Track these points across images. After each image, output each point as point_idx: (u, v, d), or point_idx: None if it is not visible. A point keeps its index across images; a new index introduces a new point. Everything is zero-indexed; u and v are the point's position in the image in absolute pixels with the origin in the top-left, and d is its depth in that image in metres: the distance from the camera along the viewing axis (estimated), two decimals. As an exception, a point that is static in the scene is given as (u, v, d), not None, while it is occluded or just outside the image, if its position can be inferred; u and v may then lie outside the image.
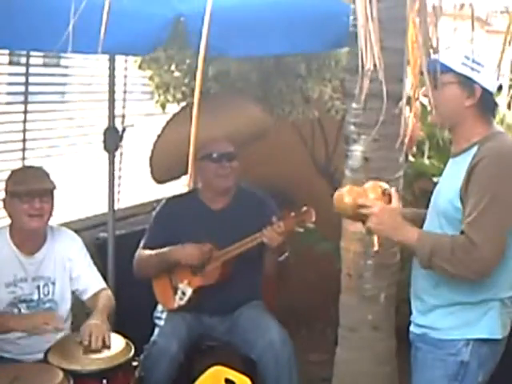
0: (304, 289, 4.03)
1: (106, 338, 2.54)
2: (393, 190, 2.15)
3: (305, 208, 2.89)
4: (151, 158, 3.20)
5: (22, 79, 3.33)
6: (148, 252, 3.10)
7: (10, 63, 3.48)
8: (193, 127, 1.50)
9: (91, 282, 2.82)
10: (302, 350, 3.25)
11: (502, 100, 4.66)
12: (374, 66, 1.34)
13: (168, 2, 2.32)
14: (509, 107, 4.80)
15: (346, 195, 2.17)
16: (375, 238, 2.14)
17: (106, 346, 2.52)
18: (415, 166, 3.69)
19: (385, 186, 2.17)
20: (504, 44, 1.96)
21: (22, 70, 3.33)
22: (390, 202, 2.12)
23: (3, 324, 2.56)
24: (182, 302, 3.00)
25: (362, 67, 1.34)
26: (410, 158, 3.95)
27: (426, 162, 3.77)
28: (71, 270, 2.79)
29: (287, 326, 3.04)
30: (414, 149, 4.03)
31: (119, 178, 3.93)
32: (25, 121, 3.31)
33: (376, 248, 2.14)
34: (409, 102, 2.74)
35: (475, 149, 2.05)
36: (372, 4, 1.31)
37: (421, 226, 2.21)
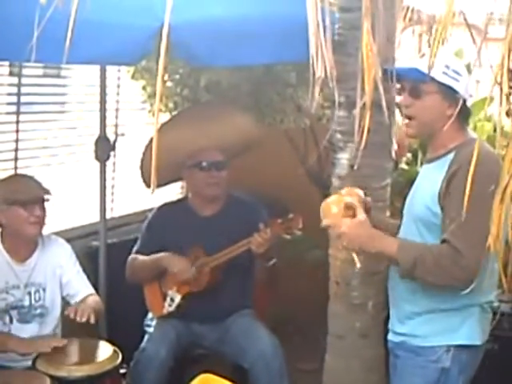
0: (297, 297, 4.03)
1: (91, 314, 2.54)
2: (355, 201, 2.09)
3: (291, 215, 2.90)
4: (142, 163, 3.21)
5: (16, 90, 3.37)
6: (140, 257, 3.12)
7: (11, 74, 3.52)
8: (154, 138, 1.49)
9: (80, 287, 2.84)
10: (294, 359, 3.25)
11: (497, 108, 4.67)
12: (325, 74, 1.36)
13: (153, 12, 2.34)
14: (507, 115, 4.80)
15: (332, 206, 2.13)
16: (355, 256, 2.09)
17: (88, 321, 2.53)
18: (408, 173, 3.70)
19: (347, 199, 2.11)
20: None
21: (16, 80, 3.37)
22: (354, 215, 2.07)
23: (2, 344, 2.58)
24: (171, 309, 3.02)
25: (313, 75, 1.37)
26: (404, 166, 3.96)
27: (419, 169, 3.78)
28: (61, 277, 2.82)
29: (280, 335, 3.04)
30: (410, 156, 4.05)
31: (112, 187, 3.95)
32: (17, 130, 3.34)
33: (358, 265, 2.11)
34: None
35: (452, 155, 2.06)
36: (325, 12, 1.33)
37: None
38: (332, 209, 2.10)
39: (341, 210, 2.07)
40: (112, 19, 2.26)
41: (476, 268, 1.97)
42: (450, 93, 2.06)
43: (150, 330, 3.07)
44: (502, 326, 2.43)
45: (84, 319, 2.52)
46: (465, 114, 2.11)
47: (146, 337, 3.04)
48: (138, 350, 2.95)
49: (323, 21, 1.32)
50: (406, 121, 2.14)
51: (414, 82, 2.09)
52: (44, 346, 2.54)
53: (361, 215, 2.06)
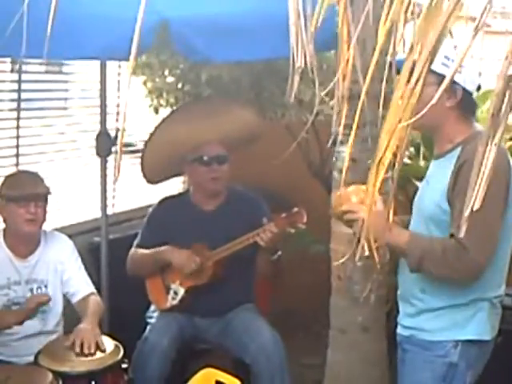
0: (301, 291, 4.03)
1: (100, 342, 2.56)
2: (376, 193, 2.13)
3: (296, 209, 2.90)
4: (142, 158, 3.21)
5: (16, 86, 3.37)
6: (141, 251, 3.12)
7: (12, 71, 3.52)
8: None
9: (81, 285, 2.84)
10: (297, 353, 3.25)
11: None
12: (305, 64, 1.34)
13: (152, 7, 2.32)
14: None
15: (352, 196, 2.13)
16: (365, 243, 2.12)
17: (100, 350, 2.54)
18: (410, 168, 3.68)
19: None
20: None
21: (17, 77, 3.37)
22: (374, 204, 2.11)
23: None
24: (175, 302, 3.02)
25: (293, 66, 1.34)
26: (406, 160, 3.95)
27: (422, 164, 3.76)
28: (62, 273, 2.82)
29: (283, 329, 3.03)
30: (412, 151, 4.03)
31: (114, 182, 3.94)
32: (18, 127, 3.34)
33: (367, 253, 2.12)
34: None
35: (459, 150, 2.02)
36: (306, 2, 1.31)
37: None
38: (352, 198, 2.10)
39: (361, 199, 2.07)
40: (111, 14, 2.26)
41: (482, 263, 1.95)
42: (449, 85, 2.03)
43: (152, 320, 3.07)
44: (507, 319, 2.41)
45: (93, 350, 2.51)
46: (469, 107, 2.06)
47: (148, 327, 3.03)
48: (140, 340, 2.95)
49: (304, 10, 1.30)
50: None
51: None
52: (31, 303, 2.58)
53: (380, 206, 2.05)
